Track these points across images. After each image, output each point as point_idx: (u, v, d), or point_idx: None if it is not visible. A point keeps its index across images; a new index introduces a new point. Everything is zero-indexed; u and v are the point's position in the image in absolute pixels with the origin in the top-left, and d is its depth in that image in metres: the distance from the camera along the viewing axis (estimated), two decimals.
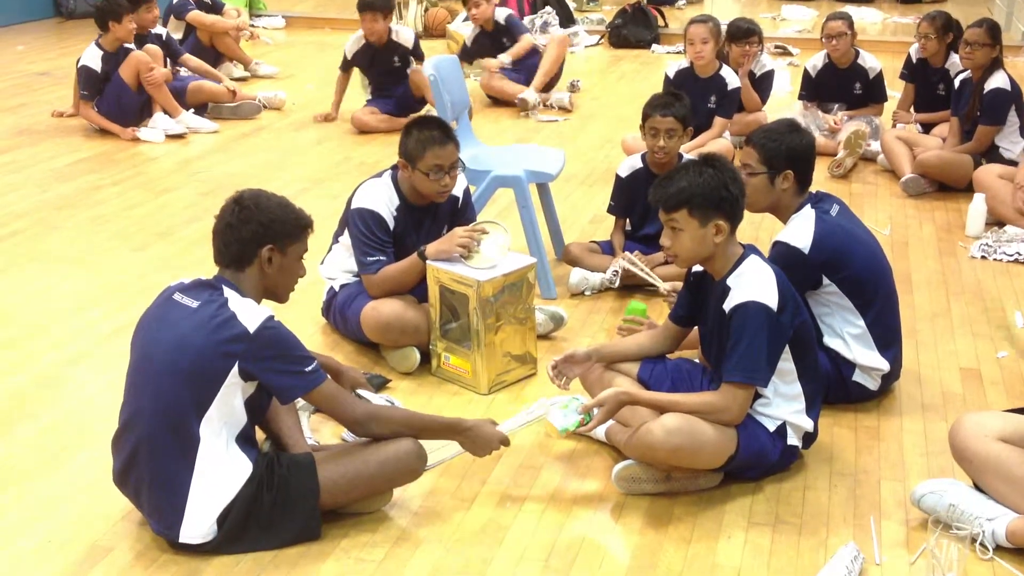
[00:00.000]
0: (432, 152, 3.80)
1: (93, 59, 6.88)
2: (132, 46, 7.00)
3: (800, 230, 3.51)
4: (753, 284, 3.06)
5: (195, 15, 8.40)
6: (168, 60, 7.53)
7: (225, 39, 8.56)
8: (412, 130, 3.86)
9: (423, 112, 6.89)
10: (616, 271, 4.51)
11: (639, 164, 4.66)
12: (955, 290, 4.70)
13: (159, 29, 7.61)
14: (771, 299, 3.03)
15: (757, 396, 3.12)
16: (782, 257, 3.44)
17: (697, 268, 3.30)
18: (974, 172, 5.68)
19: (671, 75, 6.22)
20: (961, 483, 3.00)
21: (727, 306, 3.07)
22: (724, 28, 6.54)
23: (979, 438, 2.94)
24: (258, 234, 2.88)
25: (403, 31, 7.35)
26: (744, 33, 6.51)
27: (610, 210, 4.81)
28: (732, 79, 6.10)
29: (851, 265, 3.52)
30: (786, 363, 3.10)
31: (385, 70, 7.30)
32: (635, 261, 4.46)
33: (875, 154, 6.45)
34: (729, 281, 3.10)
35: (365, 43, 7.19)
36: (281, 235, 2.91)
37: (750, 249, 3.17)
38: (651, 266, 4.43)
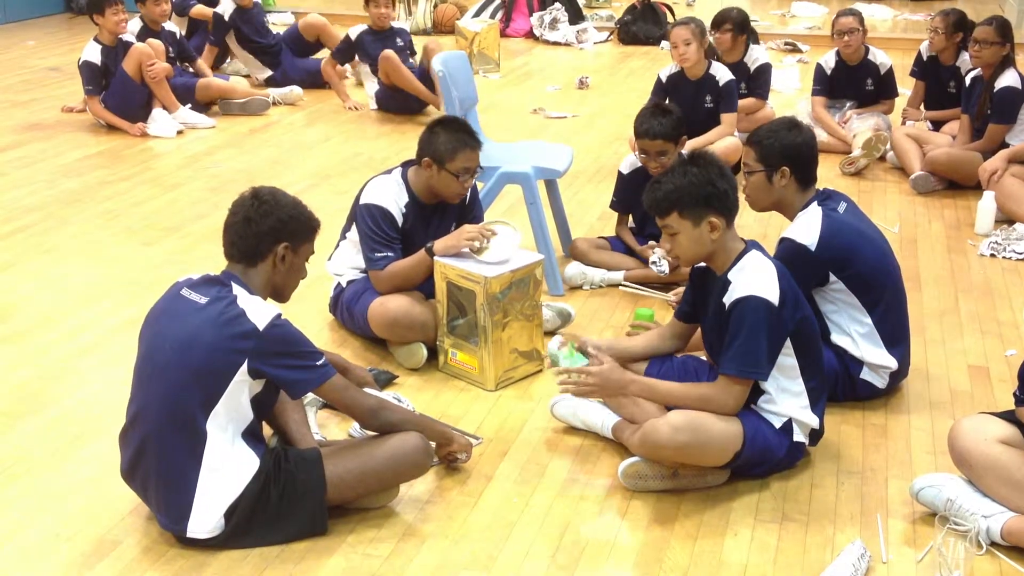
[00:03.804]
0: (464, 155, 3.81)
1: (93, 54, 6.89)
2: (132, 39, 7.01)
3: (807, 227, 3.50)
4: (754, 278, 3.06)
5: (199, 9, 8.42)
6: (178, 60, 7.53)
7: None
8: (439, 131, 3.85)
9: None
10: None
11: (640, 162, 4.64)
12: (964, 288, 4.68)
13: (172, 27, 7.62)
14: (772, 293, 3.03)
15: (760, 392, 3.12)
16: (788, 254, 3.43)
17: (700, 264, 3.30)
18: (980, 167, 5.68)
19: (663, 79, 6.14)
20: (959, 478, 3.01)
21: (727, 299, 3.07)
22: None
23: (979, 441, 2.94)
24: (276, 230, 2.89)
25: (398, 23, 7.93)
26: (716, 23, 6.46)
27: (612, 206, 4.81)
28: (723, 73, 6.00)
29: (858, 262, 3.51)
30: (788, 358, 3.10)
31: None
32: (629, 285, 4.55)
33: (884, 151, 6.43)
34: (730, 275, 3.10)
35: (368, 28, 7.64)
36: (296, 233, 2.93)
37: (752, 244, 3.16)
38: (675, 267, 4.45)
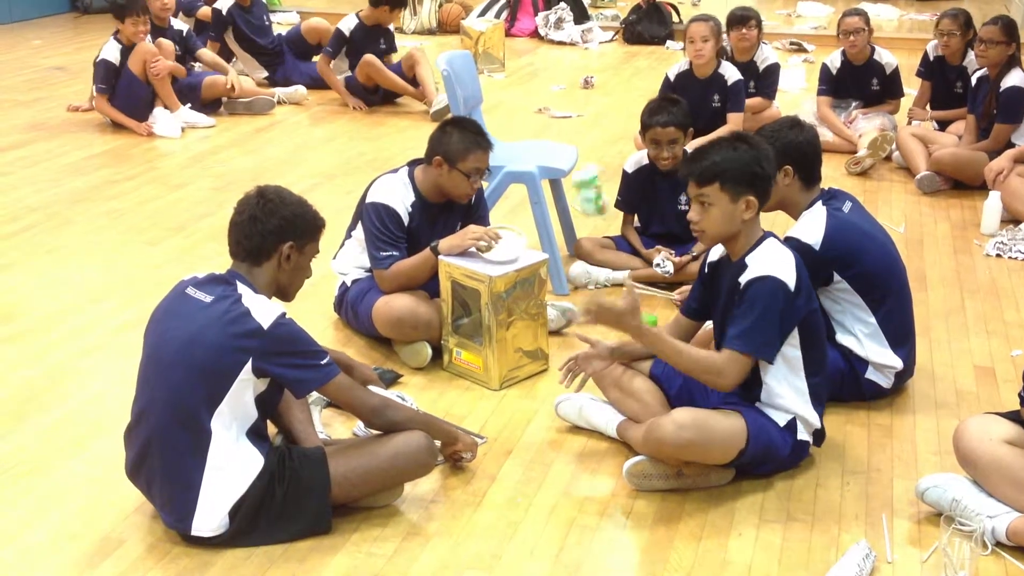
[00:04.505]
0: (476, 156, 3.84)
1: (112, 53, 6.88)
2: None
3: (811, 226, 3.50)
4: (773, 259, 3.06)
5: (205, 11, 8.43)
6: (186, 56, 7.54)
7: None
8: (452, 130, 3.87)
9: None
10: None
11: (646, 160, 4.64)
12: (969, 288, 4.67)
13: (180, 24, 7.62)
14: (789, 278, 3.02)
15: (761, 385, 3.11)
16: (793, 252, 3.42)
17: (712, 258, 3.29)
18: (986, 167, 5.68)
19: (672, 77, 6.15)
20: (964, 478, 3.01)
21: (743, 279, 3.06)
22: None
23: (984, 441, 2.94)
24: (281, 228, 2.89)
25: None
26: (739, 19, 6.46)
27: (617, 205, 4.81)
28: (731, 73, 6.03)
29: (863, 262, 3.51)
30: (793, 351, 3.09)
31: (372, 51, 7.68)
32: (636, 285, 4.48)
33: (890, 151, 6.42)
34: (747, 259, 3.09)
35: (359, 23, 7.75)
36: (302, 232, 2.93)
37: (770, 234, 3.17)
38: (680, 268, 4.43)
